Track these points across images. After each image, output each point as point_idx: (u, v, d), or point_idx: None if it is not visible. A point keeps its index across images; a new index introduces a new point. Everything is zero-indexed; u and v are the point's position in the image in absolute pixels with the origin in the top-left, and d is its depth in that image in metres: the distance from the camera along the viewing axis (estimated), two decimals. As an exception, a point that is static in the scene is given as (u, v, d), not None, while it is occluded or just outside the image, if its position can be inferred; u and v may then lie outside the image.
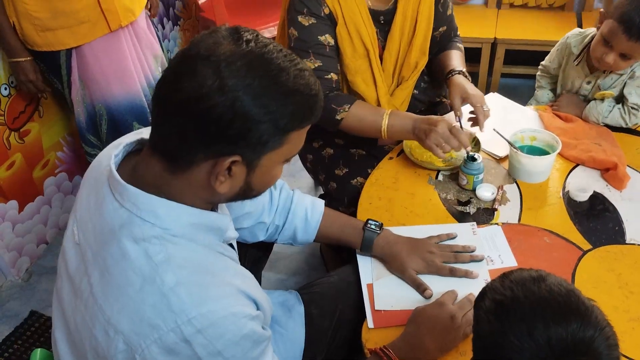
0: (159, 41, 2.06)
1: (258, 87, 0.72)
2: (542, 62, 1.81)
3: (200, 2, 2.78)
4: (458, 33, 1.69)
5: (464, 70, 1.52)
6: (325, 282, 1.22)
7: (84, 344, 0.81)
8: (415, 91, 1.64)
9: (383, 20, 1.50)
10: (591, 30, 1.63)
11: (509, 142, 1.37)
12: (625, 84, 1.55)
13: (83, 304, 0.80)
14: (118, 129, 1.86)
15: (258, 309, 0.84)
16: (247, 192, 0.82)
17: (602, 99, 1.56)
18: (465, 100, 1.43)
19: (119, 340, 0.75)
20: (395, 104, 1.57)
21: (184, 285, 0.74)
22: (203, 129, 0.72)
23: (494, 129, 1.40)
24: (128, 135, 0.93)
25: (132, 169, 0.83)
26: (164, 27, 3.01)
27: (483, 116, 1.41)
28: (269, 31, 2.70)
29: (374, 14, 1.48)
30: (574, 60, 1.63)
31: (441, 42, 1.62)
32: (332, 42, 1.45)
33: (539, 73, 1.84)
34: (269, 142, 0.75)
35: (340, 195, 1.58)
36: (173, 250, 0.77)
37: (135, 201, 0.78)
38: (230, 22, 2.56)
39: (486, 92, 2.93)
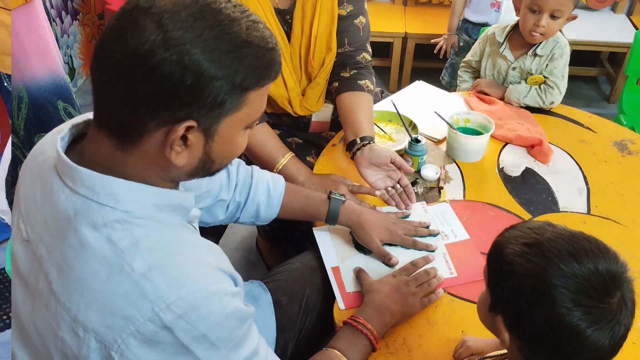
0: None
1: (208, 38, 0.65)
2: (464, 59, 1.90)
3: (104, -5, 2.62)
4: (369, 59, 1.58)
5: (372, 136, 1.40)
6: (288, 269, 1.20)
7: (48, 348, 0.72)
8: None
9: (289, 19, 1.48)
10: (510, 22, 1.75)
11: (449, 124, 1.44)
12: (547, 65, 1.68)
13: (43, 305, 0.71)
14: (40, 110, 1.74)
15: (236, 285, 0.78)
16: (208, 165, 0.75)
17: (526, 82, 1.68)
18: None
19: (90, 339, 0.67)
20: (309, 105, 1.57)
21: (156, 269, 0.68)
22: (151, 90, 0.65)
23: (435, 112, 1.46)
24: (72, 120, 0.85)
25: (79, 151, 0.74)
26: (62, 22, 2.80)
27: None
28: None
29: (281, 14, 1.47)
30: (500, 47, 1.73)
31: (345, 56, 1.55)
32: None
33: (461, 70, 1.92)
34: (225, 103, 0.68)
35: None
36: (139, 233, 0.70)
37: (91, 185, 0.70)
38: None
39: (398, 85, 3.07)
